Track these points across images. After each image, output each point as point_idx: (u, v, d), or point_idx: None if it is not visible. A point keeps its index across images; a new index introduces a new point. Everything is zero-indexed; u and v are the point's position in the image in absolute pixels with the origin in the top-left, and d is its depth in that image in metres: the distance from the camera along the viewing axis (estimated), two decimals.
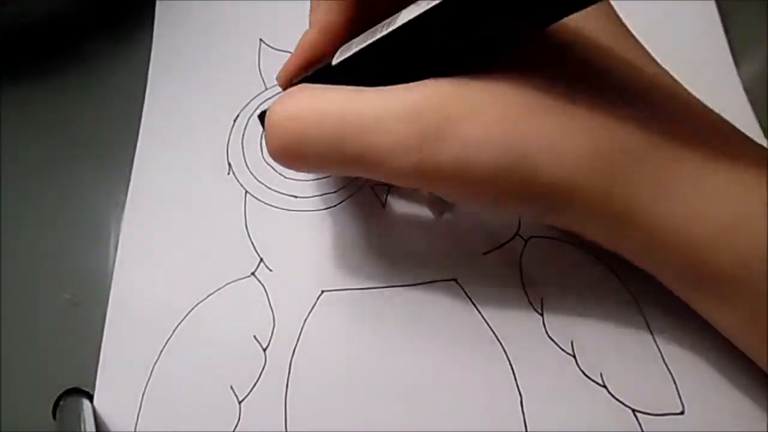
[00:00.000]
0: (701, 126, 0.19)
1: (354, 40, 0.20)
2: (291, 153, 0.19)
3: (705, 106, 0.20)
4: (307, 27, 0.29)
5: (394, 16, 0.19)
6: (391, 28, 0.18)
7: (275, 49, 0.29)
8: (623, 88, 0.19)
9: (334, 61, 0.20)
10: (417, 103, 0.18)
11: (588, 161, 0.18)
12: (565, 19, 0.17)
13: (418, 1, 0.18)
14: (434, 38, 0.18)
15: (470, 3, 0.17)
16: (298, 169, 0.21)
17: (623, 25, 0.21)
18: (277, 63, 0.28)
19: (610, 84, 0.19)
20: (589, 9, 0.16)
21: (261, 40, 0.29)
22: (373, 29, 0.19)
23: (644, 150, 0.18)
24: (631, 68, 0.19)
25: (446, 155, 0.18)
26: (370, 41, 0.19)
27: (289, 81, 0.22)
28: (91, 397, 0.22)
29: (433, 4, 0.17)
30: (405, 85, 0.18)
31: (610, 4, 0.21)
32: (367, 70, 0.19)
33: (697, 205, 0.18)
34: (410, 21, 0.18)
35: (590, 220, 0.19)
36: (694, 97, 0.20)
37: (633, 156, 0.18)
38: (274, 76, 0.23)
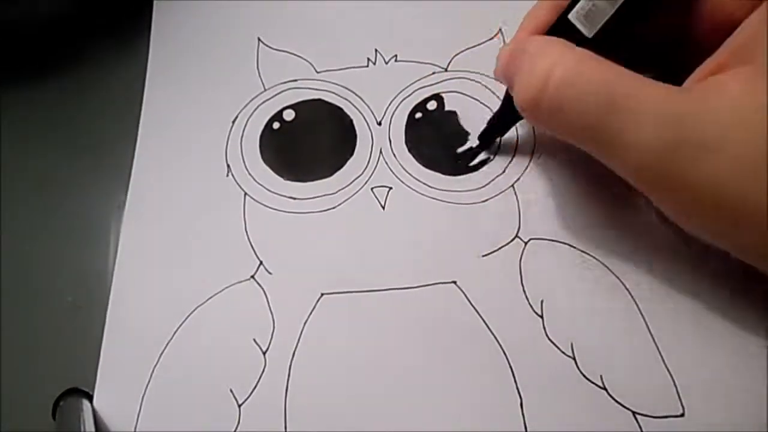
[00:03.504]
0: None
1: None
2: (542, 111, 0.19)
3: None
4: (304, 26, 0.29)
5: None
6: None
7: (273, 48, 0.29)
8: None
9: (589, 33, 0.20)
10: (687, 111, 0.17)
11: None
12: None
13: None
14: None
15: None
16: (538, 124, 0.21)
17: None
18: (275, 63, 0.28)
19: None
20: None
21: (259, 39, 0.29)
22: None
23: None
24: None
25: (692, 174, 0.17)
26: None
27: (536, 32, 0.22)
28: (90, 398, 0.22)
29: None
30: (680, 88, 0.18)
31: None
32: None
33: None
34: None
35: None
36: None
37: None
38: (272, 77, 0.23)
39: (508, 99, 0.23)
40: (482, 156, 0.25)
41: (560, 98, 0.19)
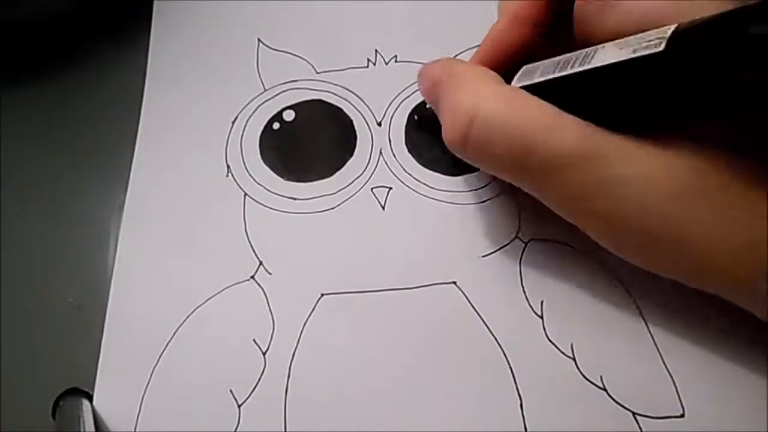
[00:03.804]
0: None
1: (538, 64, 0.21)
2: (468, 150, 0.20)
3: None
4: (304, 26, 0.29)
5: (587, 50, 0.19)
6: (585, 67, 0.18)
7: (273, 49, 0.29)
8: None
9: (516, 83, 0.21)
10: (586, 149, 0.18)
11: (740, 254, 0.17)
12: None
13: (618, 43, 0.18)
14: (633, 87, 0.18)
15: (690, 58, 0.16)
16: (466, 160, 0.21)
17: None
18: (275, 63, 0.28)
19: None
20: None
21: (259, 39, 0.29)
22: (559, 59, 0.20)
23: None
24: None
25: (602, 207, 0.18)
26: (559, 74, 0.19)
27: None
28: (90, 398, 0.22)
29: (646, 53, 0.16)
30: (584, 124, 0.18)
31: None
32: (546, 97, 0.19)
33: None
34: (611, 65, 0.17)
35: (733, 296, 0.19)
36: None
37: None
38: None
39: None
40: None
41: (484, 139, 0.19)
